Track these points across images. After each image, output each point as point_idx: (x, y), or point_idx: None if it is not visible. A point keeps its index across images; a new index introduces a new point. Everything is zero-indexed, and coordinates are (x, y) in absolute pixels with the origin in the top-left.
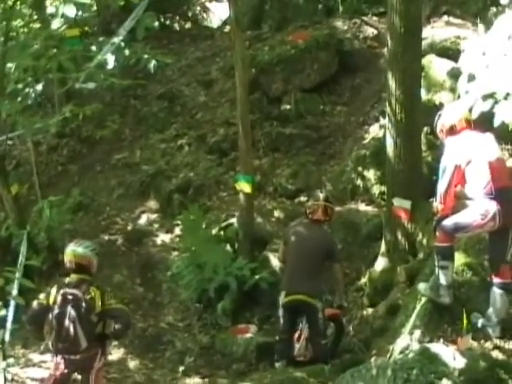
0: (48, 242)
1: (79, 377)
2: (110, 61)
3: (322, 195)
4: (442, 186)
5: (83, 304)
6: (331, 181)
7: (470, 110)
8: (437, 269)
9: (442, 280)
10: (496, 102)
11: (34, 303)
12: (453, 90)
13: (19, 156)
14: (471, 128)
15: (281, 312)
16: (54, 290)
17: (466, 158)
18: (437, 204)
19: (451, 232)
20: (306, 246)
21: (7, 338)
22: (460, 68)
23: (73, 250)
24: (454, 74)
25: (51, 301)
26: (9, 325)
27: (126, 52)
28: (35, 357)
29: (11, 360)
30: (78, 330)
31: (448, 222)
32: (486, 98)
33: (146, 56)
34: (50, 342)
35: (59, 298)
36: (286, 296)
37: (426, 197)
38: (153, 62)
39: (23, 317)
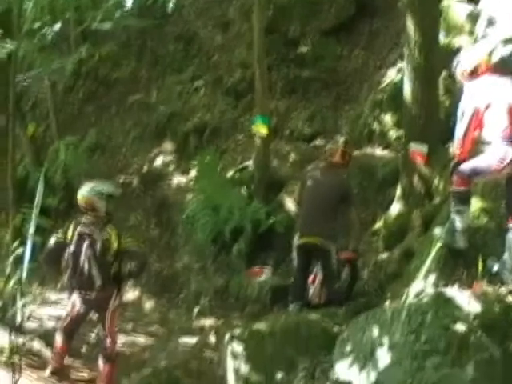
0: (64, 182)
1: (95, 316)
2: (128, 0)
3: (341, 139)
4: (460, 131)
5: (99, 243)
6: (348, 125)
7: (490, 54)
8: (453, 213)
9: (458, 225)
10: None
11: (52, 239)
12: (472, 33)
13: (36, 96)
14: (490, 72)
15: (295, 253)
16: (71, 228)
17: (485, 102)
18: (454, 148)
19: (468, 176)
20: (321, 189)
21: (24, 276)
22: (479, 12)
23: (80, 192)
24: (473, 18)
25: (68, 238)
26: (26, 263)
27: None
28: (52, 295)
29: (28, 298)
30: (92, 268)
31: (465, 167)
32: (506, 42)
33: None
34: (66, 279)
35: (75, 236)
36: (299, 238)
37: (442, 141)
38: (171, 0)
39: (40, 256)
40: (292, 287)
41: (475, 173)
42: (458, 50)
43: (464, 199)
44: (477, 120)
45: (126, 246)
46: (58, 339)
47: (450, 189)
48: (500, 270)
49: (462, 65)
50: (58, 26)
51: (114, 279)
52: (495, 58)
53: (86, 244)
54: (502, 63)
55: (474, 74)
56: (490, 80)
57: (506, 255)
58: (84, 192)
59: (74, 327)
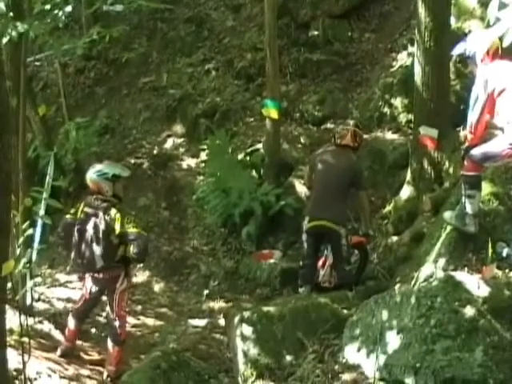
0: (75, 164)
1: (104, 298)
2: None
3: (352, 122)
4: (473, 115)
5: (102, 223)
6: (358, 108)
7: (501, 39)
8: (463, 197)
9: (469, 209)
10: None
11: (66, 216)
12: (483, 18)
13: (46, 78)
14: (502, 57)
15: (304, 237)
16: (80, 207)
17: (499, 86)
18: (466, 133)
19: (480, 161)
20: (331, 172)
21: (34, 257)
22: None
23: (87, 175)
24: (485, 2)
25: (78, 217)
26: (36, 244)
27: None
28: (61, 277)
29: (38, 279)
30: (94, 249)
31: (477, 152)
32: None
33: None
34: (72, 258)
35: (82, 216)
36: (309, 221)
37: (453, 125)
38: None
39: (50, 237)
40: (302, 271)
41: (486, 158)
42: (469, 33)
43: (475, 184)
44: (490, 105)
45: (127, 230)
46: (71, 320)
47: (461, 173)
48: (510, 255)
49: (474, 49)
50: (69, 8)
51: (121, 261)
52: (507, 43)
53: (90, 224)
54: None
55: (485, 58)
56: (503, 65)
57: None
58: (90, 174)
59: (86, 309)
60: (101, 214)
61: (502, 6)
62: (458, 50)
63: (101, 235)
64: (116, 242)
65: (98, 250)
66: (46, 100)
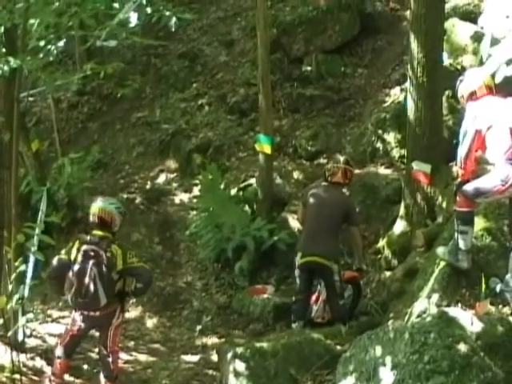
0: (67, 199)
1: (97, 333)
2: (133, 19)
3: (342, 158)
4: (462, 151)
5: (104, 261)
6: (351, 143)
7: (493, 75)
8: (456, 233)
9: (461, 245)
10: None
11: (55, 258)
12: (475, 53)
13: (40, 113)
14: (493, 93)
15: (297, 273)
16: (75, 246)
17: (487, 123)
18: (457, 168)
19: (472, 197)
20: (323, 208)
21: (26, 293)
22: (483, 31)
23: (99, 205)
24: (477, 38)
25: (72, 256)
26: (28, 280)
27: (148, 10)
28: (54, 312)
29: (30, 315)
30: (98, 287)
31: (469, 187)
32: (509, 62)
33: (167, 13)
34: (69, 298)
35: (80, 254)
36: (301, 257)
37: (446, 161)
38: (174, 20)
39: (42, 273)
40: (294, 306)
41: (479, 193)
42: (462, 69)
43: (468, 220)
44: (479, 141)
45: (131, 266)
46: (58, 356)
47: (454, 209)
48: (503, 290)
49: (464, 86)
50: (61, 43)
51: (117, 297)
52: (499, 79)
53: (91, 263)
54: (505, 84)
55: (475, 95)
56: (493, 101)
57: (508, 275)
58: (104, 205)
59: (74, 344)
60: (101, 251)
61: (495, 42)
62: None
63: (104, 272)
64: (116, 277)
65: (100, 288)
66: (39, 135)
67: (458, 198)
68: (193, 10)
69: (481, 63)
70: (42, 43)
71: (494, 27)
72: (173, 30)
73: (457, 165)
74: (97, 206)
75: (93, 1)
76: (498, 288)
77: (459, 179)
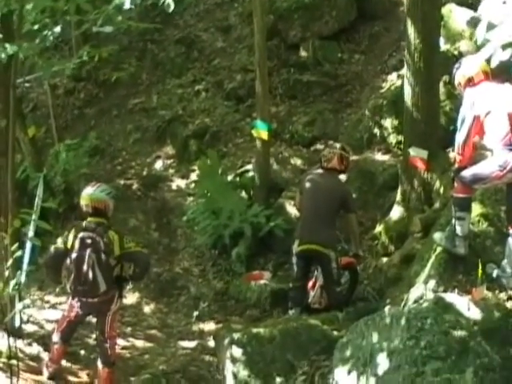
0: (64, 185)
1: (94, 319)
2: (127, 2)
3: (338, 145)
4: (460, 137)
5: (102, 247)
6: (348, 129)
7: (488, 61)
8: (453, 219)
9: (458, 231)
10: None
11: (52, 247)
12: (472, 39)
13: (36, 99)
14: (490, 79)
15: (294, 260)
16: (71, 234)
17: (485, 108)
18: (455, 154)
19: (469, 183)
20: (320, 195)
21: (23, 279)
22: (479, 17)
23: (89, 194)
24: (474, 24)
25: (69, 245)
26: (25, 266)
27: None
28: (51, 298)
29: (27, 301)
30: (96, 274)
31: (466, 173)
32: (505, 47)
33: None
34: (68, 286)
35: (77, 242)
36: (299, 245)
37: (443, 146)
38: (170, 0)
39: (39, 258)
40: (292, 293)
41: (476, 179)
42: (459, 55)
43: (465, 206)
44: (477, 127)
45: (128, 251)
46: (55, 342)
47: (451, 195)
48: (499, 276)
49: (461, 73)
50: (58, 28)
51: (115, 282)
52: (494, 64)
53: (88, 250)
54: (502, 69)
55: (472, 81)
56: (490, 87)
57: (505, 261)
58: (95, 193)
59: (70, 330)
60: (98, 237)
61: (491, 27)
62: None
63: (103, 259)
64: (114, 263)
65: (99, 275)
66: (36, 121)
67: (455, 184)
68: None
69: (477, 48)
70: (36, 27)
71: (491, 13)
72: (171, 8)
73: (454, 151)
74: (88, 195)
75: None
76: (494, 274)
77: (457, 165)
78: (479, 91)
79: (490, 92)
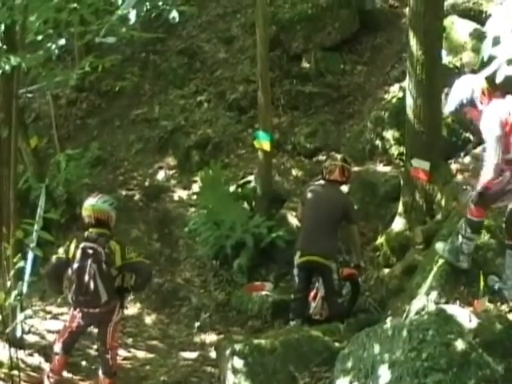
0: (66, 196)
1: (95, 330)
2: (132, 15)
3: (339, 156)
4: (492, 159)
5: (103, 258)
6: (350, 140)
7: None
8: (461, 237)
9: (465, 249)
10: None
11: (53, 258)
12: (474, 51)
13: (38, 109)
14: (499, 95)
15: (296, 271)
16: (73, 245)
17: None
18: (484, 180)
19: (487, 204)
20: (321, 206)
21: (25, 289)
22: (482, 29)
23: (92, 205)
24: (476, 36)
25: (70, 255)
26: (27, 277)
27: (147, 5)
28: (53, 309)
29: (29, 312)
30: (98, 284)
31: (475, 194)
32: (510, 62)
33: (167, 7)
34: (70, 296)
35: (79, 252)
36: (300, 256)
37: (444, 158)
38: (174, 12)
39: (41, 269)
40: (293, 304)
41: (495, 199)
42: (461, 67)
43: (477, 229)
44: (504, 143)
45: (130, 261)
46: (56, 353)
47: (466, 216)
48: (501, 288)
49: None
50: (62, 41)
51: (116, 293)
52: (499, 79)
53: (90, 260)
54: (506, 83)
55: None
56: (503, 102)
57: (506, 273)
58: (98, 204)
59: (72, 340)
60: (100, 248)
61: (496, 43)
62: (448, 110)
63: (104, 269)
64: (115, 274)
65: (101, 285)
66: (38, 132)
67: (471, 205)
68: (192, 7)
69: (482, 63)
70: (39, 38)
71: (498, 28)
72: (176, 20)
73: (487, 174)
74: (91, 206)
75: None
76: (496, 286)
77: (481, 189)
78: (494, 109)
79: (505, 107)
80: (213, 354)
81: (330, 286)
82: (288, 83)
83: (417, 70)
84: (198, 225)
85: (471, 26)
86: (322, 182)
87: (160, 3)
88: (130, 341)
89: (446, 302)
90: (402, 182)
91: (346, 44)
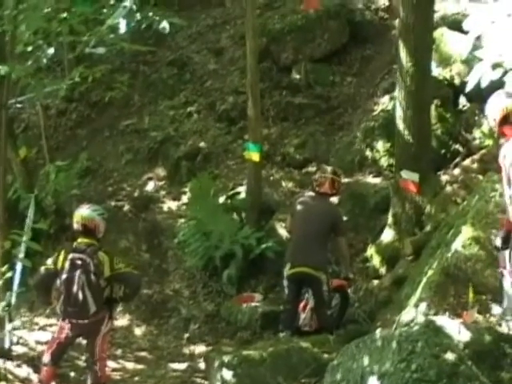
0: (55, 206)
1: (84, 341)
2: (122, 25)
3: (329, 168)
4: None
5: (92, 269)
6: (339, 152)
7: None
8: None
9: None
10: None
11: (42, 268)
12: (464, 63)
13: (28, 119)
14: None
15: (285, 283)
16: (61, 255)
17: None
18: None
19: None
20: (311, 218)
21: (13, 300)
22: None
23: (81, 213)
24: (466, 47)
25: (59, 266)
26: (15, 287)
27: (138, 16)
28: (41, 320)
29: (17, 323)
30: (87, 295)
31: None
32: (495, 66)
33: (157, 18)
34: (58, 307)
35: (67, 263)
36: (290, 268)
37: (434, 170)
38: (165, 23)
39: (29, 280)
40: (283, 316)
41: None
42: (450, 79)
43: None
44: None
45: (118, 272)
46: (45, 364)
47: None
48: (503, 315)
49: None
50: (51, 50)
51: (105, 304)
52: (484, 84)
53: (79, 271)
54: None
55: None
56: None
57: (505, 303)
58: (88, 212)
59: (60, 352)
60: (88, 259)
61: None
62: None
63: (93, 280)
64: (104, 284)
65: (89, 296)
66: (27, 142)
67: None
68: (182, 18)
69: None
70: (29, 48)
71: (478, 29)
72: (166, 31)
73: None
74: (80, 213)
75: (81, 6)
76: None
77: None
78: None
79: None
80: (202, 366)
81: (320, 297)
82: (278, 94)
83: (406, 82)
84: (187, 236)
85: (461, 37)
86: (311, 193)
87: (150, 14)
88: (118, 352)
89: (436, 314)
90: (391, 193)
91: (336, 55)
